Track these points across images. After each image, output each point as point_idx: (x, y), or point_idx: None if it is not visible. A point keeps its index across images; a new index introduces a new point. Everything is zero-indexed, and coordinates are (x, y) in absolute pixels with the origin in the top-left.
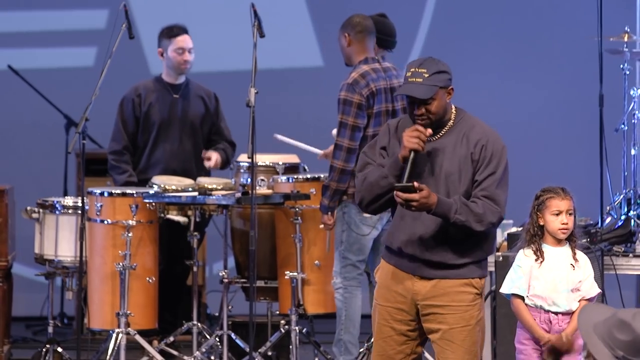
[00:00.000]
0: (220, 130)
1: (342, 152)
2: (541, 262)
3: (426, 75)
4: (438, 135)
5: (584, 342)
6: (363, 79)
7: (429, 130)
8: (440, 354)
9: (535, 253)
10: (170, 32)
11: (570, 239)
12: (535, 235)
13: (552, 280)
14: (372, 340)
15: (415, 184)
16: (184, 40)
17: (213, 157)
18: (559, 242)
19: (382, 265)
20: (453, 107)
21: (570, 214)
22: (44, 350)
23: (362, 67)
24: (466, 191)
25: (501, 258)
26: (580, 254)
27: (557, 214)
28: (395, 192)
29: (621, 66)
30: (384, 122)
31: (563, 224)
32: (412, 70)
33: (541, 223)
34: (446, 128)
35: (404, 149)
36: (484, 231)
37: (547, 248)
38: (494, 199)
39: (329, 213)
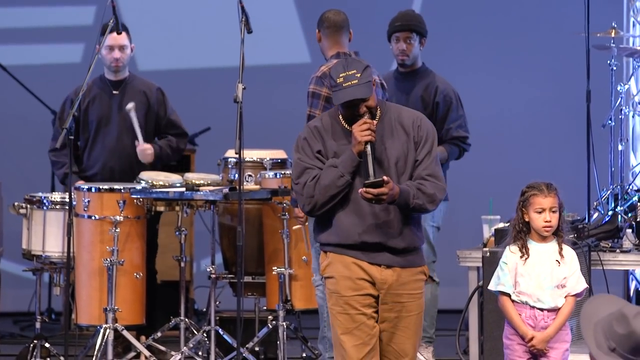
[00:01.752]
0: (171, 122)
1: None
2: (526, 258)
3: (358, 75)
4: None
5: (582, 331)
6: None
7: (374, 121)
8: (392, 340)
9: (520, 250)
10: (104, 28)
11: (558, 234)
12: (520, 232)
13: (536, 276)
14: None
15: (385, 177)
16: (114, 38)
17: (145, 146)
18: (544, 238)
19: (335, 259)
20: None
21: (554, 211)
22: (31, 345)
23: (333, 62)
24: (410, 174)
25: (488, 254)
26: (567, 250)
27: (540, 212)
28: (365, 189)
29: (608, 62)
30: None
31: (546, 221)
32: (341, 75)
33: (527, 219)
34: (377, 118)
35: (359, 144)
36: (434, 209)
37: (532, 244)
38: (437, 177)
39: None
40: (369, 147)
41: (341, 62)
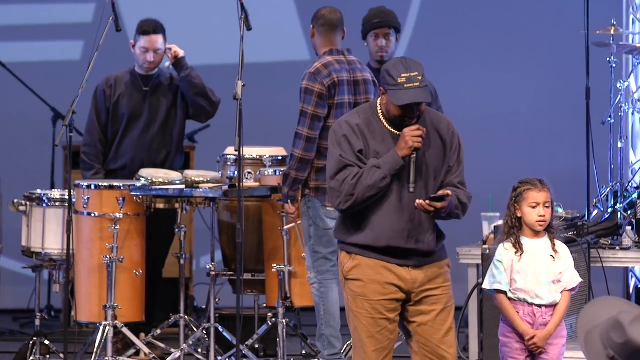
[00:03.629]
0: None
1: (302, 141)
2: (521, 255)
3: (420, 78)
4: None
5: (580, 338)
6: (325, 69)
7: (425, 128)
8: (432, 335)
9: (514, 246)
10: (141, 28)
11: (549, 230)
12: (513, 227)
13: (533, 272)
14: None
15: (448, 192)
16: (150, 41)
17: (173, 48)
18: (537, 233)
19: (363, 262)
20: None
21: (547, 207)
22: (31, 343)
23: (326, 58)
24: (442, 179)
25: (488, 250)
26: (559, 245)
27: (534, 207)
28: (428, 202)
29: (608, 59)
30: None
31: (540, 216)
32: (404, 76)
33: (519, 215)
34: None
35: (408, 148)
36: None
37: (525, 240)
38: (465, 184)
39: (289, 202)
40: (415, 154)
41: (400, 61)
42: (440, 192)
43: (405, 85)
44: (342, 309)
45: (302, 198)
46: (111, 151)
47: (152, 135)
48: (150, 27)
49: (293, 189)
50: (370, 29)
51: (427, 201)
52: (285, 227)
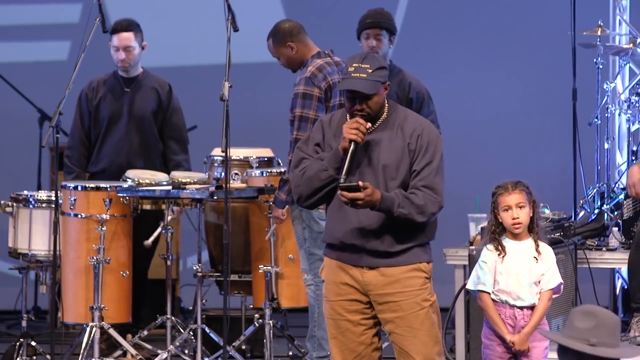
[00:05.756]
0: (170, 124)
1: None
2: (503, 256)
3: (369, 71)
4: (373, 127)
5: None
6: (320, 73)
7: (369, 124)
8: (401, 343)
9: (496, 248)
10: (112, 27)
11: (533, 231)
12: (494, 233)
13: (515, 274)
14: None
15: (360, 182)
16: (120, 38)
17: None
18: (519, 235)
19: (325, 263)
20: (386, 100)
21: (521, 207)
22: (17, 344)
23: (317, 61)
24: (403, 181)
25: (475, 252)
26: (543, 246)
27: (507, 210)
28: (339, 191)
29: (594, 60)
30: None
31: (514, 218)
32: (354, 65)
33: (499, 220)
34: (380, 120)
35: (344, 140)
36: (425, 221)
37: (508, 242)
38: (433, 188)
39: (283, 207)
40: (352, 147)
41: (361, 53)
42: (356, 183)
43: (352, 74)
44: None
45: (294, 203)
46: (93, 154)
47: (132, 138)
48: (119, 25)
49: (290, 195)
50: (363, 29)
51: (340, 191)
52: (272, 229)
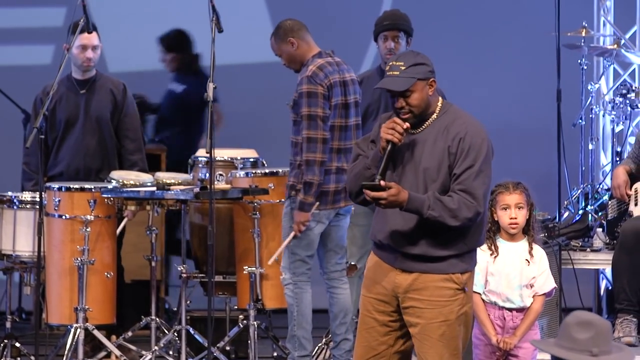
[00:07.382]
0: (124, 124)
1: (319, 145)
2: (495, 257)
3: (403, 68)
4: (420, 128)
5: None
6: (321, 71)
7: (407, 124)
8: (419, 349)
9: (489, 248)
10: (76, 27)
11: (528, 233)
12: (489, 231)
13: (506, 276)
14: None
15: (382, 182)
16: (88, 38)
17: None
18: (514, 236)
19: (370, 257)
20: (440, 100)
21: (520, 208)
22: (1, 345)
23: (318, 61)
24: (443, 184)
25: None
26: (537, 249)
27: (506, 209)
28: (363, 190)
29: (579, 61)
30: (338, 115)
31: (511, 218)
32: (390, 64)
33: (496, 218)
34: (429, 121)
35: (382, 140)
36: (460, 226)
37: (502, 243)
38: (470, 193)
39: (310, 211)
40: (389, 147)
41: (404, 52)
42: (378, 183)
43: (387, 73)
44: (315, 311)
45: (287, 198)
46: (50, 159)
47: (89, 140)
48: (85, 26)
49: (314, 196)
50: (380, 30)
51: (364, 189)
52: (291, 236)
